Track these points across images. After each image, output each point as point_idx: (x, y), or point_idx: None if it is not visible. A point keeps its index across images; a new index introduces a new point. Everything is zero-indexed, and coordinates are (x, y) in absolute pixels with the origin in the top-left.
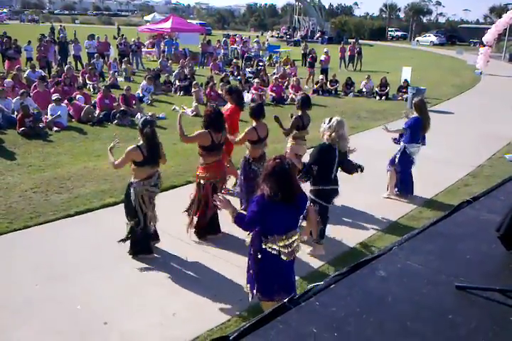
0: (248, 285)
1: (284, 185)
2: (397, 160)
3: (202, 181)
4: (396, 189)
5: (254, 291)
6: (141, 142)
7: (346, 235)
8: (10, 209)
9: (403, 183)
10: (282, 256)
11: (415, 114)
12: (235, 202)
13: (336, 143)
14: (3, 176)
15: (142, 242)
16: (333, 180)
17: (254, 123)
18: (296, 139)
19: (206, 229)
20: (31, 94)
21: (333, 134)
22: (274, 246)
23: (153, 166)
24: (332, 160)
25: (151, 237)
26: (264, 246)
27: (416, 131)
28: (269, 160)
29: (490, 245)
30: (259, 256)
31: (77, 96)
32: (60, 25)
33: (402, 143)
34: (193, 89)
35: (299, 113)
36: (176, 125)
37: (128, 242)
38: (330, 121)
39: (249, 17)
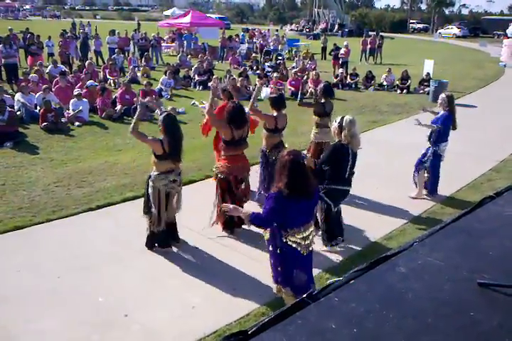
0: (278, 284)
1: (299, 180)
2: (428, 163)
3: (219, 175)
4: (425, 191)
5: (288, 288)
6: (163, 136)
7: (367, 230)
8: (33, 203)
9: (433, 184)
10: (300, 249)
11: (440, 110)
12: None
13: (349, 142)
14: (26, 170)
15: (158, 235)
16: (347, 181)
17: (274, 113)
18: (319, 127)
19: (229, 222)
20: (53, 90)
21: (346, 133)
22: (294, 239)
23: (174, 161)
24: (345, 159)
25: (166, 231)
26: (284, 240)
27: (447, 129)
28: (282, 156)
29: None
30: (278, 251)
31: (89, 82)
32: (81, 21)
33: (430, 144)
34: (211, 84)
35: (322, 100)
36: (207, 105)
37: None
38: (341, 119)
39: (269, 11)
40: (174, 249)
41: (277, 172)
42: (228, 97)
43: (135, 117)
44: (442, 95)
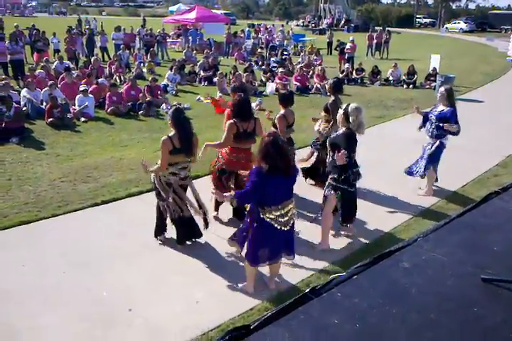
0: (238, 246)
1: (278, 159)
2: (434, 157)
3: (225, 166)
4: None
5: (243, 253)
6: (172, 133)
7: (371, 225)
8: (39, 198)
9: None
10: (277, 225)
11: (439, 103)
12: None
13: (356, 128)
14: (32, 166)
15: (177, 227)
16: (355, 163)
17: (282, 111)
18: (328, 122)
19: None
20: (59, 86)
21: (354, 119)
22: (271, 216)
23: (187, 155)
24: (355, 145)
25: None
26: (262, 216)
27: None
28: (264, 137)
29: None
30: (255, 225)
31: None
32: (87, 18)
33: (436, 138)
34: (216, 79)
35: (331, 97)
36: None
37: (152, 229)
38: (347, 106)
39: (274, 6)
40: (176, 244)
41: (259, 151)
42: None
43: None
44: (441, 89)
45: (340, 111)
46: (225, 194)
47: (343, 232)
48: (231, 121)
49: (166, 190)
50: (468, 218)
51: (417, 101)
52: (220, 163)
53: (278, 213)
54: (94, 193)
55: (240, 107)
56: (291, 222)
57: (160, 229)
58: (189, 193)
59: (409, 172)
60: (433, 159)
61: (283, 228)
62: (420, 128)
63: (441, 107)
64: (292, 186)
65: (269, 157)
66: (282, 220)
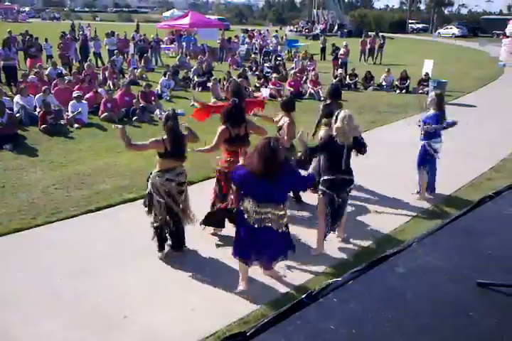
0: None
1: (266, 163)
2: (425, 162)
3: (220, 168)
4: (428, 191)
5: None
6: (166, 136)
7: (366, 230)
8: (32, 205)
9: (430, 183)
10: (248, 220)
11: (430, 108)
12: None
13: (342, 135)
14: (25, 172)
15: (158, 237)
16: (343, 171)
17: (287, 118)
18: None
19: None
20: (52, 92)
21: (338, 126)
22: (248, 206)
23: (176, 159)
24: (339, 151)
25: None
26: (240, 207)
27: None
28: (260, 140)
29: None
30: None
31: (100, 89)
32: (80, 23)
33: (423, 142)
34: (210, 85)
35: (328, 101)
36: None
37: (149, 236)
38: (337, 114)
39: (268, 11)
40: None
41: (253, 152)
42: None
43: (121, 137)
44: (431, 94)
45: (333, 118)
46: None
47: (336, 237)
48: (223, 126)
49: (162, 197)
50: (463, 222)
51: (410, 106)
52: (219, 165)
53: (254, 208)
54: (88, 200)
55: (232, 113)
56: (267, 224)
57: (160, 245)
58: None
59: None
60: (418, 161)
61: (254, 225)
62: None
63: (431, 111)
64: (281, 192)
65: (258, 159)
66: (255, 217)
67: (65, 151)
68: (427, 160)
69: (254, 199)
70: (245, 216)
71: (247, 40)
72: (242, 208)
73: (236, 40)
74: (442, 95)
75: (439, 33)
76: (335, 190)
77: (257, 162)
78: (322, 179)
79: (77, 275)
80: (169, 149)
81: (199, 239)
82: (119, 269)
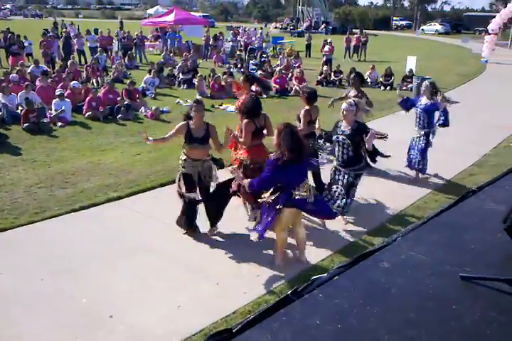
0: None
1: (295, 143)
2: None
3: (246, 162)
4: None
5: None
6: (192, 121)
7: (349, 226)
8: (15, 205)
9: (425, 164)
10: (306, 199)
11: (423, 97)
12: None
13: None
14: (8, 172)
15: (185, 217)
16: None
17: (307, 106)
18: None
19: None
20: (35, 90)
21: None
22: (302, 193)
23: (200, 145)
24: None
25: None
26: (293, 196)
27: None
28: (278, 128)
29: (495, 235)
30: (281, 206)
31: (72, 82)
32: (63, 20)
33: (427, 128)
34: (195, 82)
35: (307, 107)
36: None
37: (134, 235)
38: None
39: (253, 8)
40: (157, 249)
41: (276, 141)
42: (249, 86)
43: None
44: (426, 82)
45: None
46: (244, 180)
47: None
48: (247, 120)
49: (179, 179)
50: (446, 217)
51: (394, 103)
52: (243, 158)
53: (304, 190)
54: (72, 199)
55: (250, 107)
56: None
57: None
58: None
59: (410, 165)
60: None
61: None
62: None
63: (424, 100)
64: (306, 170)
65: (286, 143)
66: (307, 194)
67: (49, 150)
68: (427, 144)
69: (298, 183)
70: (300, 198)
71: (231, 37)
72: (294, 196)
73: (221, 37)
74: (435, 83)
75: (422, 29)
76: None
77: (289, 144)
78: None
79: (62, 275)
80: (192, 134)
81: (184, 237)
82: (104, 269)
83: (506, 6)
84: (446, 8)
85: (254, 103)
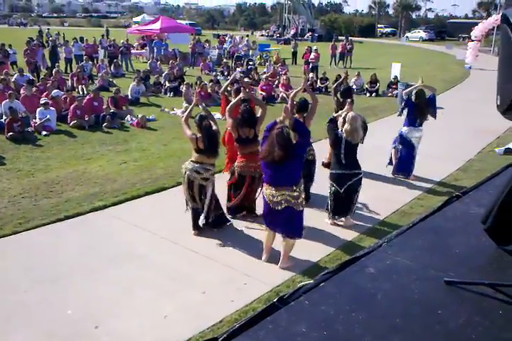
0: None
1: (275, 149)
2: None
3: (236, 170)
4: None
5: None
6: (200, 135)
7: (335, 232)
8: None
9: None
10: (267, 200)
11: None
12: None
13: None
14: None
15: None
16: (344, 165)
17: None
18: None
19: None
20: (19, 99)
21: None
22: (265, 192)
23: (209, 156)
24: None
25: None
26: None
27: (409, 114)
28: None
29: (479, 239)
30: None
31: (54, 91)
32: (48, 30)
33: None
34: (182, 90)
35: (298, 116)
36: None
37: (119, 244)
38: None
39: (239, 16)
40: (144, 258)
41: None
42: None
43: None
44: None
45: (341, 119)
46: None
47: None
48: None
49: (184, 183)
50: (431, 222)
51: (380, 109)
52: (236, 167)
53: (269, 192)
54: (56, 208)
55: (244, 116)
56: (283, 206)
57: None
58: None
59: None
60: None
61: (274, 207)
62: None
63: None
64: (290, 176)
65: (268, 146)
66: (272, 200)
67: (33, 159)
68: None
69: (268, 182)
70: (265, 197)
71: (217, 44)
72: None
73: (207, 45)
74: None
75: (407, 37)
76: (338, 184)
77: (268, 148)
78: (330, 172)
79: (46, 286)
80: (201, 147)
81: (171, 245)
82: (89, 278)
83: (489, 14)
84: (430, 15)
85: (246, 115)
